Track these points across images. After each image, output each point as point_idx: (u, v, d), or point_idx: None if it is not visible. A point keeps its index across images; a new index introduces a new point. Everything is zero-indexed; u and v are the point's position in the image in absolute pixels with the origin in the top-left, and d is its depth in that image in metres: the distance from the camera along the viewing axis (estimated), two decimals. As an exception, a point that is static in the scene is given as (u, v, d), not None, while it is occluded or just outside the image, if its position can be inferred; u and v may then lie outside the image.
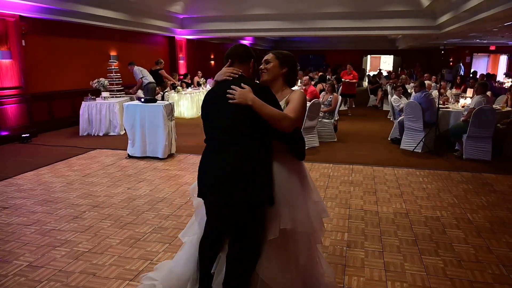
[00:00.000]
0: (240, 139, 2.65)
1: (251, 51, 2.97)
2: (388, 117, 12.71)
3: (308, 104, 8.52)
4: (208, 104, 2.84)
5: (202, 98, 12.26)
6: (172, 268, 3.33)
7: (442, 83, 12.62)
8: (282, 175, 2.80)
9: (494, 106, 8.60)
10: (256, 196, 2.63)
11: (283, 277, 2.81)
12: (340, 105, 10.66)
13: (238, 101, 2.60)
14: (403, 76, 15.65)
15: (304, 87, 10.60)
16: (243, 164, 2.62)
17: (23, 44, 9.87)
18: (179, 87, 13.66)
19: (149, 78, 11.90)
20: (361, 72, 24.13)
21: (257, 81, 3.01)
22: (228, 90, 2.65)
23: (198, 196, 2.86)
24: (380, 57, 30.18)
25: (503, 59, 26.12)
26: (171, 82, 13.79)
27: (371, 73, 23.89)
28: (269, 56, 3.03)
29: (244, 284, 2.79)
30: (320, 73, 16.84)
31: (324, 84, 11.87)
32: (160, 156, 7.75)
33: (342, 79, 14.45)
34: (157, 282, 3.34)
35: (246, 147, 2.64)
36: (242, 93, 2.62)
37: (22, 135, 9.44)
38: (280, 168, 2.80)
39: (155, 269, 3.58)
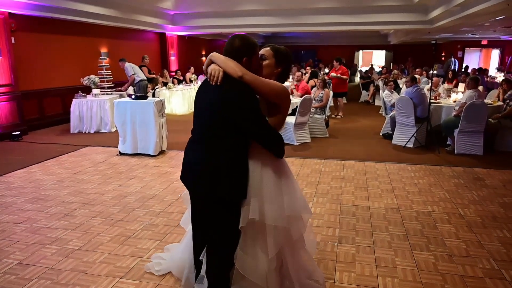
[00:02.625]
0: (211, 133, 2.67)
1: (247, 46, 2.70)
2: (380, 112, 12.73)
3: (300, 100, 8.52)
4: (197, 94, 2.85)
5: (194, 94, 12.17)
6: (174, 252, 3.58)
7: (434, 79, 12.64)
8: (256, 169, 2.79)
9: (485, 100, 8.62)
10: (218, 189, 2.65)
11: (257, 268, 2.83)
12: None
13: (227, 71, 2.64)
14: (395, 71, 15.65)
15: (296, 83, 10.59)
16: (210, 157, 2.66)
17: (13, 41, 9.79)
18: (170, 84, 13.61)
19: (141, 76, 11.83)
20: (353, 68, 24.14)
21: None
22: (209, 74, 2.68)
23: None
24: (372, 53, 30.18)
25: (495, 53, 26.18)
26: (151, 77, 13.60)
27: (363, 69, 23.91)
28: (266, 52, 2.84)
29: (220, 273, 2.85)
30: (312, 69, 16.74)
31: (315, 80, 11.83)
32: (151, 153, 7.72)
33: (330, 75, 13.03)
34: (163, 261, 3.66)
35: (216, 141, 2.65)
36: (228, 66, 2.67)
37: (13, 133, 9.38)
38: (255, 163, 2.79)
39: (165, 249, 3.88)
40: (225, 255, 2.79)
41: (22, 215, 4.97)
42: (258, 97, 2.69)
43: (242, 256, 2.81)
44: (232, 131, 2.63)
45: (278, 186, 2.86)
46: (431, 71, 9.93)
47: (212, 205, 2.72)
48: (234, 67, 2.61)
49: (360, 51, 29.71)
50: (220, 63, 2.65)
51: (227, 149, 2.65)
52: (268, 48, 2.86)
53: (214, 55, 2.72)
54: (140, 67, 12.75)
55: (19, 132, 9.48)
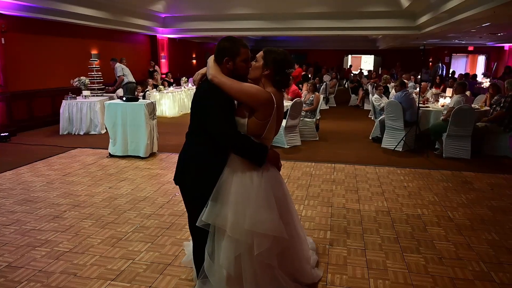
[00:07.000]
0: (192, 130, 2.99)
1: (230, 48, 2.82)
2: (369, 116, 12.79)
3: (290, 103, 8.55)
4: None
5: (184, 97, 12.11)
6: None
7: (422, 83, 12.73)
8: (229, 175, 2.88)
9: (473, 105, 8.72)
10: (182, 178, 3.04)
11: (217, 272, 2.91)
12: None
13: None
14: (386, 76, 15.72)
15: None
16: (186, 149, 3.02)
17: (3, 42, 9.72)
18: (160, 86, 13.58)
19: (130, 78, 11.77)
20: (342, 72, 24.30)
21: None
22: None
23: None
24: (361, 57, 30.39)
25: (481, 59, 26.52)
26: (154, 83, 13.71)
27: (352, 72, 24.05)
28: (258, 54, 2.92)
29: (197, 260, 3.10)
30: (303, 73, 16.73)
31: (306, 83, 11.90)
32: (141, 155, 7.69)
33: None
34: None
35: (193, 136, 2.98)
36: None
37: (1, 134, 9.27)
38: (232, 170, 2.89)
39: None
40: (197, 245, 3.10)
41: (11, 217, 4.92)
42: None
43: (206, 257, 2.93)
44: (204, 128, 2.86)
45: (246, 198, 2.83)
46: (419, 76, 10.02)
47: (182, 192, 3.10)
48: (209, 70, 2.82)
49: (349, 56, 29.89)
50: (207, 66, 2.90)
51: (199, 143, 2.92)
52: (262, 50, 2.94)
53: (209, 58, 2.93)
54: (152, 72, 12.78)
55: (7, 133, 9.38)
